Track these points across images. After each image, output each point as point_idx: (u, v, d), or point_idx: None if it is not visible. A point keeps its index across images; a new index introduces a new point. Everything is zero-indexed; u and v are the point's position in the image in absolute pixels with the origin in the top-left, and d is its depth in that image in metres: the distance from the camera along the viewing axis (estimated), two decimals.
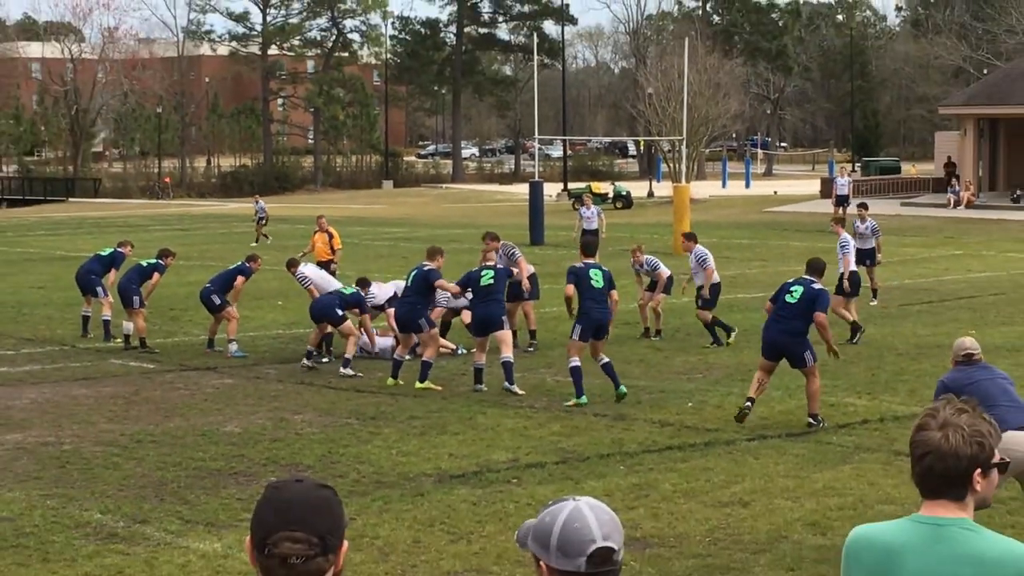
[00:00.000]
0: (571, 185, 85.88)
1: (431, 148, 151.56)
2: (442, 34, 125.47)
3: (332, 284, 24.17)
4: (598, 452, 16.26)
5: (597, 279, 19.43)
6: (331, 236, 31.05)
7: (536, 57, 68.55)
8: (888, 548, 4.53)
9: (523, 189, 69.03)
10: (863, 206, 31.68)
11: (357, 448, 16.61)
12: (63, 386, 21.30)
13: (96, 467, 15.72)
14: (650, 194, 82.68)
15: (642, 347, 24.63)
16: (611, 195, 74.28)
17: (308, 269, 24.79)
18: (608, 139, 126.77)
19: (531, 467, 15.52)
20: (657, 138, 74.70)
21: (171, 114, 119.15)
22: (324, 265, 28.64)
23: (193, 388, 20.98)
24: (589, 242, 21.21)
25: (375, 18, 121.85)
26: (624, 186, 78.97)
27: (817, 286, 17.93)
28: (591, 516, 3.64)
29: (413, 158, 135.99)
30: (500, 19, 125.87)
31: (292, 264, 25.26)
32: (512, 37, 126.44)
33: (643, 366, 22.71)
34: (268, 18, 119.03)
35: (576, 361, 19.38)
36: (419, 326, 20.93)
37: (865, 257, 29.64)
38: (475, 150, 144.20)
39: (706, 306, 24.89)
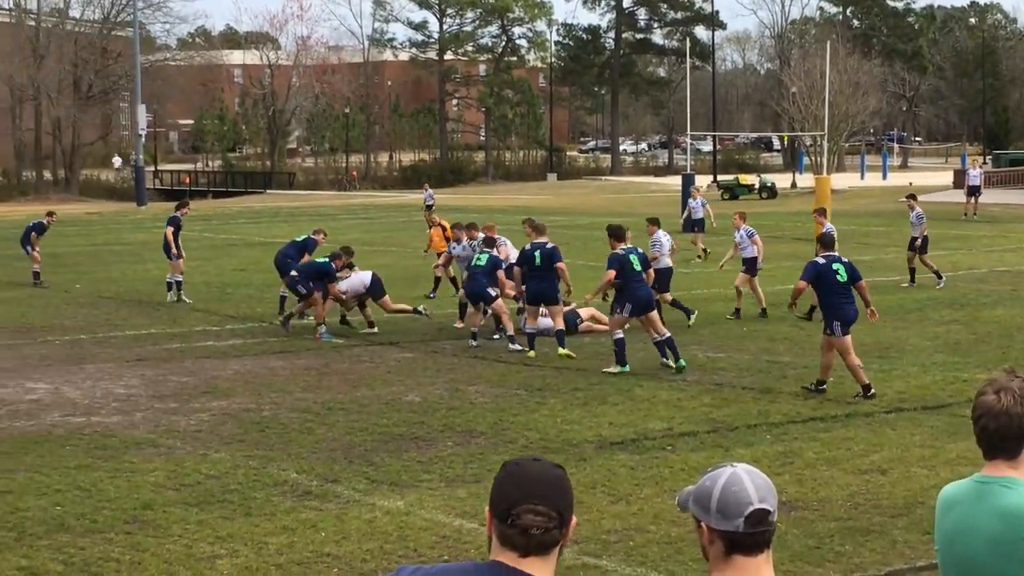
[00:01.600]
0: (720, 177, 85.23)
1: (591, 144, 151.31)
2: (602, 39, 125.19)
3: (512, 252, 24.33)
4: (746, 422, 16.12)
5: (635, 263, 19.63)
6: (444, 228, 30.66)
7: (688, 60, 68.17)
8: (947, 501, 4.73)
9: (676, 181, 68.62)
10: (912, 197, 31.81)
11: (525, 417, 16.65)
12: (262, 359, 21.61)
13: (292, 431, 15.94)
14: (793, 185, 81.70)
15: (786, 326, 24.34)
16: (757, 186, 73.54)
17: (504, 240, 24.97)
18: (754, 135, 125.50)
19: (684, 435, 15.43)
20: (800, 133, 73.80)
21: (357, 114, 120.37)
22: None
23: (377, 361, 21.16)
24: (618, 228, 20.63)
25: (541, 25, 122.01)
26: (769, 178, 78.14)
27: (846, 259, 18.09)
28: (748, 480, 3.61)
29: (575, 153, 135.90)
30: (655, 25, 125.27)
31: (488, 228, 25.21)
32: (666, 42, 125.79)
33: (787, 343, 22.46)
34: (444, 27, 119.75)
35: (620, 334, 19.58)
36: (556, 299, 21.38)
37: (915, 244, 30.23)
38: (632, 145, 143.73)
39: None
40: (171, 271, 29.77)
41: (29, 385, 19.30)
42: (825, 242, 18.28)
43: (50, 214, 35.91)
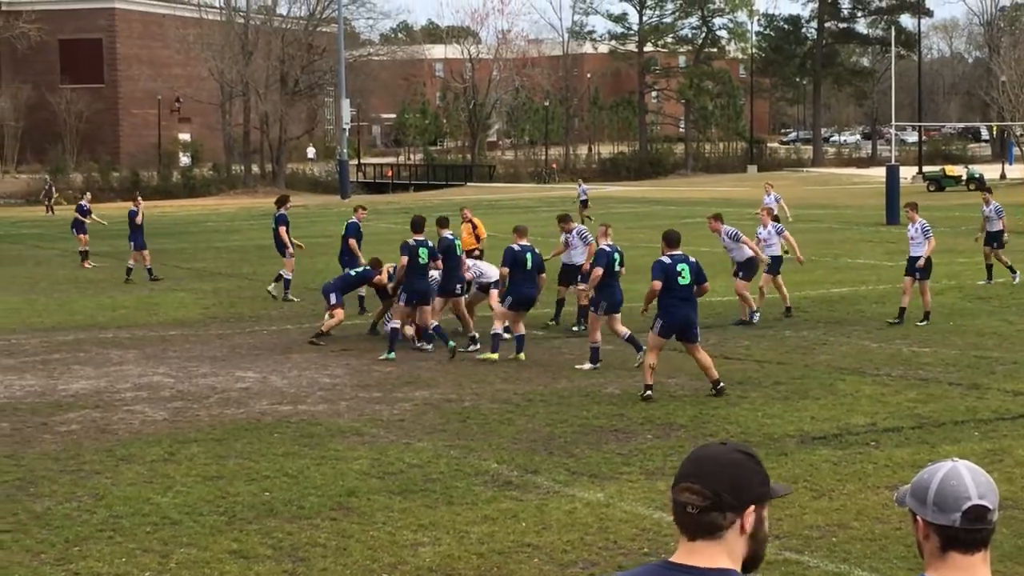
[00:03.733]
0: (926, 168, 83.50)
1: (792, 135, 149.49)
2: (804, 29, 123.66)
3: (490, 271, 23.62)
4: (952, 419, 15.76)
5: (527, 262, 21.02)
6: (475, 226, 28.58)
7: (893, 49, 66.88)
8: None
9: (879, 172, 67.43)
10: (988, 191, 31.13)
11: (726, 410, 16.53)
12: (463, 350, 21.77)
13: (492, 422, 16.08)
14: (1002, 176, 79.67)
15: (996, 320, 23.74)
16: (964, 177, 71.88)
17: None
18: (961, 124, 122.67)
19: (888, 431, 15.15)
20: (1010, 123, 71.88)
21: (557, 107, 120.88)
22: (471, 255, 26.37)
23: (577, 353, 21.16)
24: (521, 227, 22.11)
25: (742, 16, 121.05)
26: (977, 169, 76.34)
27: (692, 258, 17.48)
28: (968, 475, 3.53)
29: (776, 144, 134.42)
30: (859, 14, 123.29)
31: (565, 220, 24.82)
32: (870, 31, 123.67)
33: (996, 338, 21.90)
34: (644, 18, 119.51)
35: (499, 328, 20.97)
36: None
37: (992, 239, 29.41)
38: (837, 135, 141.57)
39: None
40: (286, 268, 29.38)
41: (239, 374, 19.83)
42: (672, 240, 17.44)
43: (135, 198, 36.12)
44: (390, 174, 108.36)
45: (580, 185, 57.10)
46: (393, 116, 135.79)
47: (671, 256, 17.30)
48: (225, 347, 22.60)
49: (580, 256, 24.08)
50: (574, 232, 24.48)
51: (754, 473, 3.49)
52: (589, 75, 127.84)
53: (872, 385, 17.95)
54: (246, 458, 14.27)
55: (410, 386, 18.63)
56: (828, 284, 30.28)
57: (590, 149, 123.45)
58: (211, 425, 16.11)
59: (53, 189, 75.52)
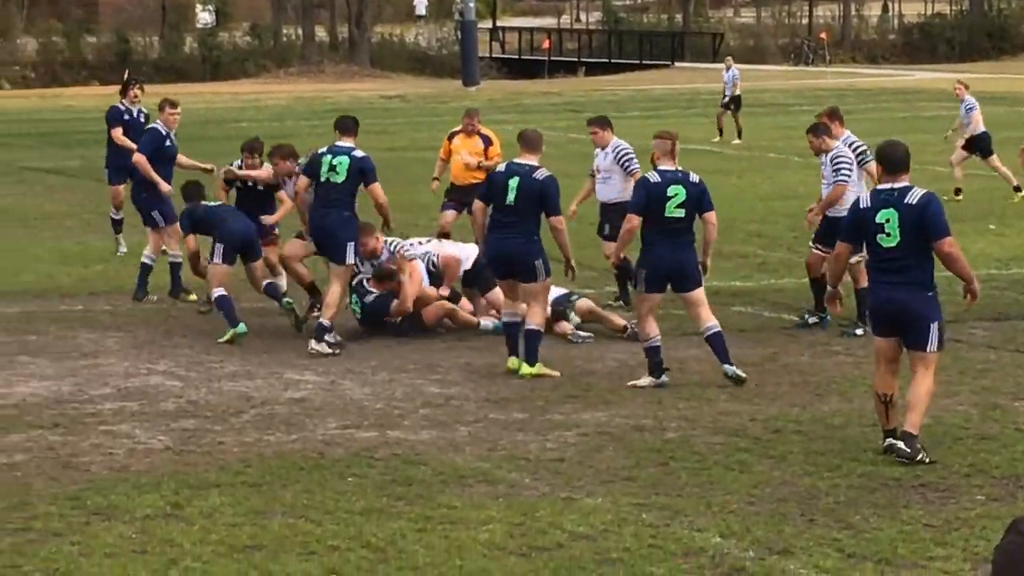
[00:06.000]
0: None
1: None
2: None
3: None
4: None
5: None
6: (488, 143, 27.37)
7: None
8: None
9: None
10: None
11: None
12: (669, 342, 21.57)
13: (713, 466, 16.04)
14: None
15: None
16: None
17: None
18: None
19: None
20: None
21: None
22: (466, 191, 25.93)
23: (860, 355, 21.01)
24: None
25: None
26: None
27: (919, 195, 16.12)
28: None
29: None
30: None
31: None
32: None
33: None
34: None
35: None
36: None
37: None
38: None
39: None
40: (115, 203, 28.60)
41: (290, 376, 20.06)
42: (888, 160, 16.30)
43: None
44: (547, 45, 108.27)
45: (729, 68, 54.83)
46: None
47: (876, 195, 16.49)
48: (268, 331, 22.80)
49: (615, 191, 24.15)
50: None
51: None
52: None
53: None
54: (300, 515, 14.40)
55: (575, 401, 18.69)
56: None
57: (886, 8, 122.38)
58: (243, 460, 16.29)
59: None
